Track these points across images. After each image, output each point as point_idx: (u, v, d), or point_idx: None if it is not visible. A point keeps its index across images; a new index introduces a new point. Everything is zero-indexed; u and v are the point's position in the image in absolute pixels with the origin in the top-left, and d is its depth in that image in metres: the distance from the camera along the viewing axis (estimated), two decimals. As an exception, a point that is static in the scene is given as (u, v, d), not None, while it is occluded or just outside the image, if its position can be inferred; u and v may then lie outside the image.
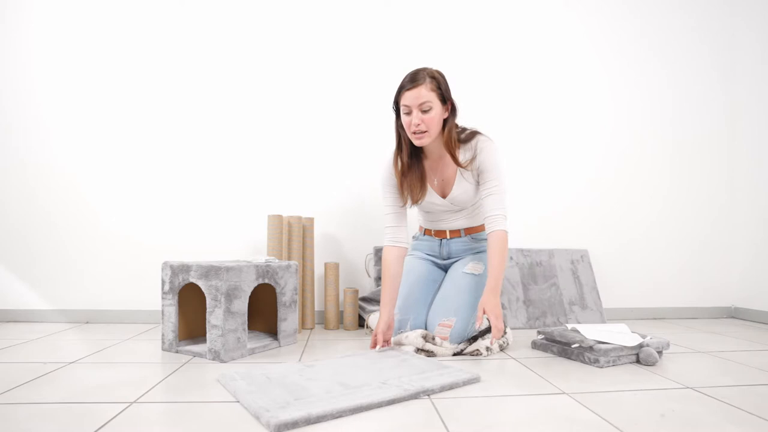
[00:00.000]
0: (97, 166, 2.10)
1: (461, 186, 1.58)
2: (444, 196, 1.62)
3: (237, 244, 2.11)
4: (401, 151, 1.57)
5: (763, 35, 2.27)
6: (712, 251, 2.34)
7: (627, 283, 2.28)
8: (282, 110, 2.16)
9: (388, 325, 1.50)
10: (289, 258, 1.92)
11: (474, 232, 1.69)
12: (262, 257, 1.68)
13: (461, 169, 1.56)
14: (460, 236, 1.69)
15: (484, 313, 1.39)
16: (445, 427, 0.91)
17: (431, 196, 1.62)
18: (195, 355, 1.47)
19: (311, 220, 2.02)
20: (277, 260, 1.68)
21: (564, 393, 1.11)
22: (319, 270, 2.12)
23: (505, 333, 1.57)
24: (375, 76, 2.17)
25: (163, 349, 1.54)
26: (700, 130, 2.35)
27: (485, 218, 1.54)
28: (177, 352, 1.51)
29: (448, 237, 1.70)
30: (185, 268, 1.49)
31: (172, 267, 1.53)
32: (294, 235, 1.93)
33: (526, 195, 2.25)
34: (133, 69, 2.12)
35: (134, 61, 2.12)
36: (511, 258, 2.10)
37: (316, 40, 2.18)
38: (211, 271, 1.43)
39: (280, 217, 1.88)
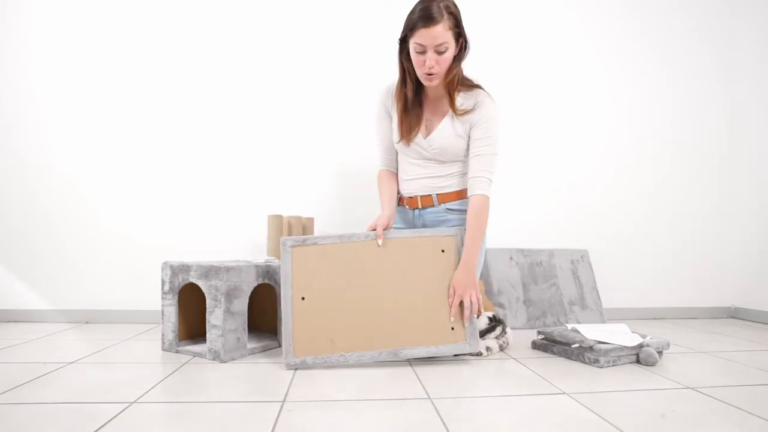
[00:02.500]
0: (97, 166, 2.10)
1: (445, 130, 1.51)
2: (426, 137, 1.54)
3: (237, 244, 2.11)
4: (405, 86, 1.51)
5: (763, 35, 2.26)
6: (713, 251, 2.34)
7: (627, 283, 2.28)
8: (282, 110, 2.16)
9: (388, 224, 1.48)
10: (289, 258, 1.92)
11: (448, 200, 1.57)
12: (262, 257, 1.68)
13: (454, 116, 1.49)
14: (433, 205, 1.58)
15: (454, 294, 1.38)
16: (445, 427, 0.91)
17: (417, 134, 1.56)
18: (195, 355, 1.47)
19: (311, 220, 2.02)
20: (277, 260, 1.67)
21: (564, 393, 1.11)
22: (319, 270, 2.11)
23: (504, 333, 1.57)
24: (375, 75, 2.16)
25: (163, 349, 1.54)
26: (700, 130, 2.35)
27: (469, 179, 1.49)
28: (177, 352, 1.51)
29: (420, 206, 1.60)
30: (185, 268, 1.49)
31: (172, 267, 1.53)
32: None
33: (526, 195, 2.25)
34: (133, 69, 2.12)
35: (134, 62, 2.12)
36: (511, 258, 2.10)
37: (317, 40, 2.18)
38: (211, 271, 1.43)
39: (280, 217, 1.88)
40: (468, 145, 1.53)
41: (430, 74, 1.42)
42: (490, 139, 1.48)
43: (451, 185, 1.58)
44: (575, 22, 2.29)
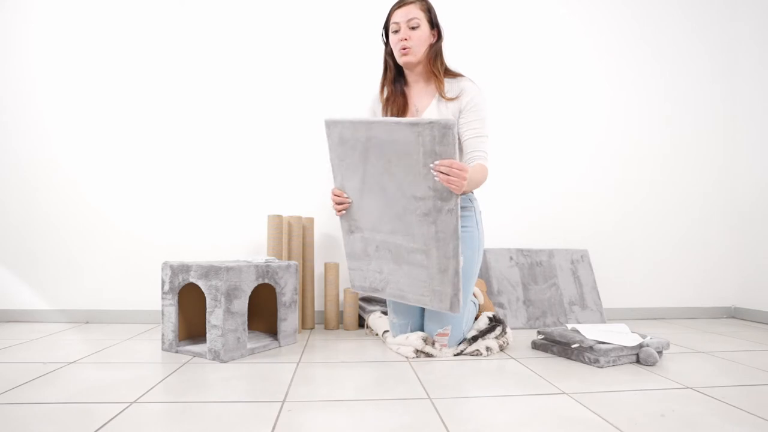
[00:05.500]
0: (98, 165, 2.10)
1: (432, 114, 1.56)
2: None
3: (237, 244, 2.11)
4: (386, 76, 1.64)
5: (763, 37, 2.26)
6: (712, 251, 2.34)
7: (627, 283, 2.28)
8: (282, 110, 2.16)
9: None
10: (289, 258, 1.92)
11: None
12: (262, 257, 1.68)
13: (441, 99, 1.56)
14: None
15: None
16: (445, 427, 0.91)
17: None
18: (195, 355, 1.47)
19: (311, 220, 2.02)
20: (277, 260, 1.68)
21: (564, 393, 1.11)
22: (319, 270, 2.12)
23: (504, 333, 1.57)
24: (374, 75, 2.16)
25: (163, 349, 1.54)
26: (699, 131, 2.35)
27: (468, 156, 1.56)
28: (177, 352, 1.51)
29: None
30: (185, 268, 1.49)
31: (172, 267, 1.53)
32: (294, 235, 1.93)
33: (526, 195, 2.25)
34: (134, 69, 2.12)
35: (135, 61, 2.13)
36: (511, 258, 2.10)
37: (316, 42, 2.18)
38: (211, 271, 1.43)
39: (280, 217, 1.88)
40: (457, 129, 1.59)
41: (404, 49, 1.53)
42: (482, 122, 1.56)
43: None
44: (575, 22, 2.29)
